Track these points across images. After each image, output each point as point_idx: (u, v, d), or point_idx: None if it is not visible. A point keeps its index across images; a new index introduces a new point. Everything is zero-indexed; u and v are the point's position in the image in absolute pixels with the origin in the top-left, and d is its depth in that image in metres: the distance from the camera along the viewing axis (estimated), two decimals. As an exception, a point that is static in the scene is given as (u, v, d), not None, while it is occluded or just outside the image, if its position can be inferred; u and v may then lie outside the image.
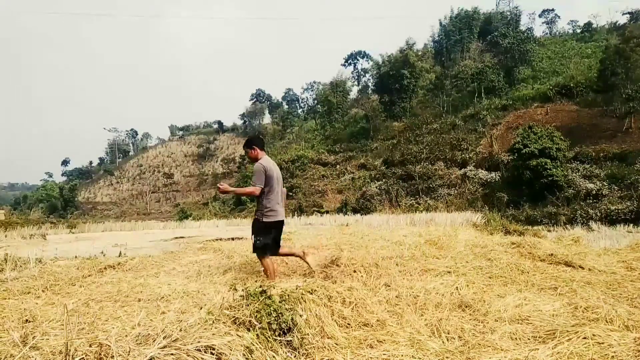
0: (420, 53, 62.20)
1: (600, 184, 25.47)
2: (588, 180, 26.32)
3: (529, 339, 2.76)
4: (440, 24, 63.55)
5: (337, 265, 4.75)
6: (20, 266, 5.25)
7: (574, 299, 3.82)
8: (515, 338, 2.77)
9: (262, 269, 4.72)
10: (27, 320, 3.04)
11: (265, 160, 4.62)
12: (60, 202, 62.61)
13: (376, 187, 35.74)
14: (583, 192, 25.22)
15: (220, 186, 4.50)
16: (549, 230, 15.58)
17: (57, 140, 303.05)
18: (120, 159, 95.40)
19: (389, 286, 4.12)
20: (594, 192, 25.03)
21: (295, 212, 32.47)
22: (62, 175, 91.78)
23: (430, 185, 33.93)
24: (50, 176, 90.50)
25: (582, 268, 5.43)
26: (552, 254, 6.05)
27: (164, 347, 1.92)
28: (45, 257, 6.35)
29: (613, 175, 25.95)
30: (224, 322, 2.34)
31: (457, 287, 4.14)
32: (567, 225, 19.14)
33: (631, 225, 17.51)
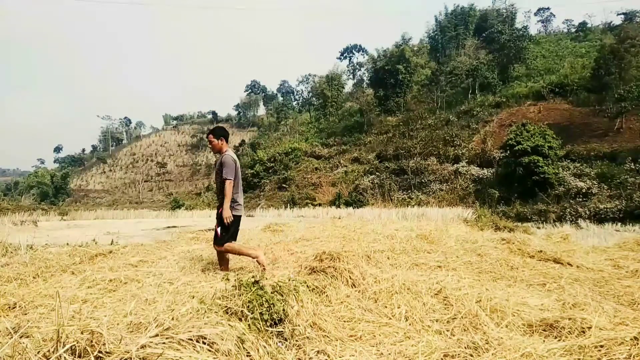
0: (415, 48, 62.12)
1: (590, 183, 25.75)
2: (578, 179, 26.59)
3: (525, 331, 2.80)
4: (436, 19, 63.57)
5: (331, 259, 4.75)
6: (11, 252, 5.20)
7: (562, 295, 3.88)
8: (510, 330, 2.80)
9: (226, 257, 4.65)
10: (17, 307, 3.03)
11: (232, 153, 4.56)
12: (52, 189, 61.96)
13: (369, 181, 35.86)
14: (573, 190, 25.50)
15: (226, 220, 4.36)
16: (539, 227, 15.76)
17: (50, 126, 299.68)
18: (113, 147, 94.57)
19: (378, 280, 4.15)
20: (583, 190, 25.31)
21: (288, 204, 32.49)
22: (55, 162, 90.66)
23: (423, 180, 34.10)
24: (42, 163, 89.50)
25: (571, 265, 5.50)
26: (541, 251, 6.13)
27: (156, 335, 1.93)
28: (36, 243, 6.30)
29: (603, 175, 26.22)
30: (216, 312, 2.35)
31: (447, 281, 4.18)
32: (557, 223, 19.33)
33: (619, 224, 17.75)
